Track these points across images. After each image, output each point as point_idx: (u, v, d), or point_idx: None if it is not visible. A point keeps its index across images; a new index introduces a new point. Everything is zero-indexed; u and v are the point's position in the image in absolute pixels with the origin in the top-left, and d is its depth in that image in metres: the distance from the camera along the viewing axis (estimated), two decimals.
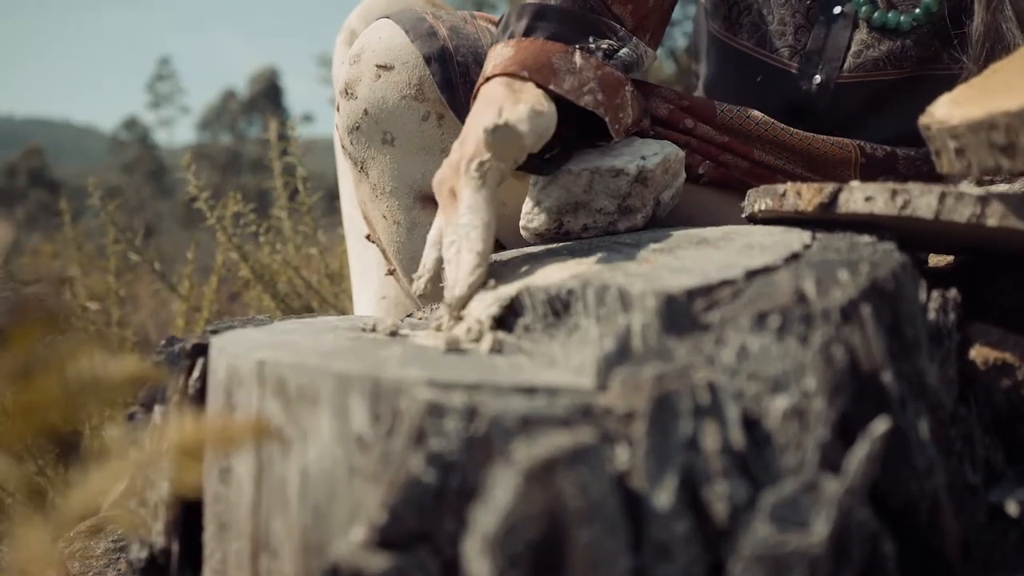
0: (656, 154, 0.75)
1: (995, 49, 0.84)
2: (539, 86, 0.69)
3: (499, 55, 0.71)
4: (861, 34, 0.91)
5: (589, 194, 0.74)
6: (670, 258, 0.57)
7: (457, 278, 0.60)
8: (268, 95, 30.85)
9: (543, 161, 0.74)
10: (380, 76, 0.83)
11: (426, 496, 0.35)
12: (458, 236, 0.62)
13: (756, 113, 0.89)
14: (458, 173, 0.64)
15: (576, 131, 0.76)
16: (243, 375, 0.48)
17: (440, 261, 0.68)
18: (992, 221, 0.52)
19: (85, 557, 0.94)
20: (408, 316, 0.80)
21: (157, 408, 0.57)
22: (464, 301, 0.59)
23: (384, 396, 0.41)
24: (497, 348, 0.51)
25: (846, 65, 0.92)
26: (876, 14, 0.90)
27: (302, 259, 1.80)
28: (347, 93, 0.85)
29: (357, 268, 1.11)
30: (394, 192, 0.87)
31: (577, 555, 0.33)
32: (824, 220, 0.61)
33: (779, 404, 0.38)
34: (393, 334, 0.59)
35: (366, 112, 0.84)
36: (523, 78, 0.68)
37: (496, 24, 0.89)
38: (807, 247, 0.54)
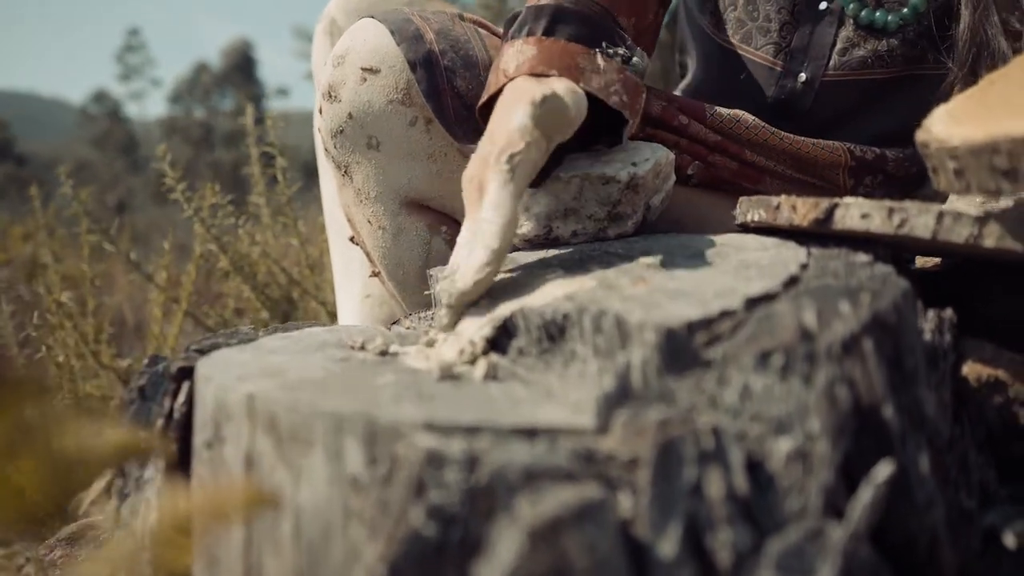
0: (647, 160, 0.74)
1: (981, 55, 0.84)
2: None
3: (520, 53, 0.69)
4: (847, 32, 0.91)
5: (579, 201, 0.73)
6: (665, 277, 0.56)
7: (463, 271, 0.58)
8: (242, 68, 30.34)
9: None
10: (366, 79, 0.80)
11: (427, 550, 0.35)
12: (476, 231, 0.60)
13: (747, 116, 0.88)
14: (486, 168, 0.62)
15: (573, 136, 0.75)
16: (232, 409, 0.46)
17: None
18: (989, 242, 0.52)
19: (67, 564, 0.93)
20: (395, 323, 0.79)
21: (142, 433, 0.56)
22: (467, 298, 0.57)
23: (380, 438, 0.40)
24: (491, 374, 0.50)
25: (832, 63, 0.91)
26: (863, 12, 0.90)
27: (281, 248, 1.77)
28: (331, 96, 0.82)
29: (340, 265, 1.09)
30: (379, 197, 0.85)
31: None
32: (818, 233, 0.61)
33: (783, 446, 0.38)
34: (383, 353, 0.58)
35: (350, 116, 0.82)
36: (552, 77, 0.67)
37: (482, 26, 0.87)
38: (804, 267, 0.54)
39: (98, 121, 30.85)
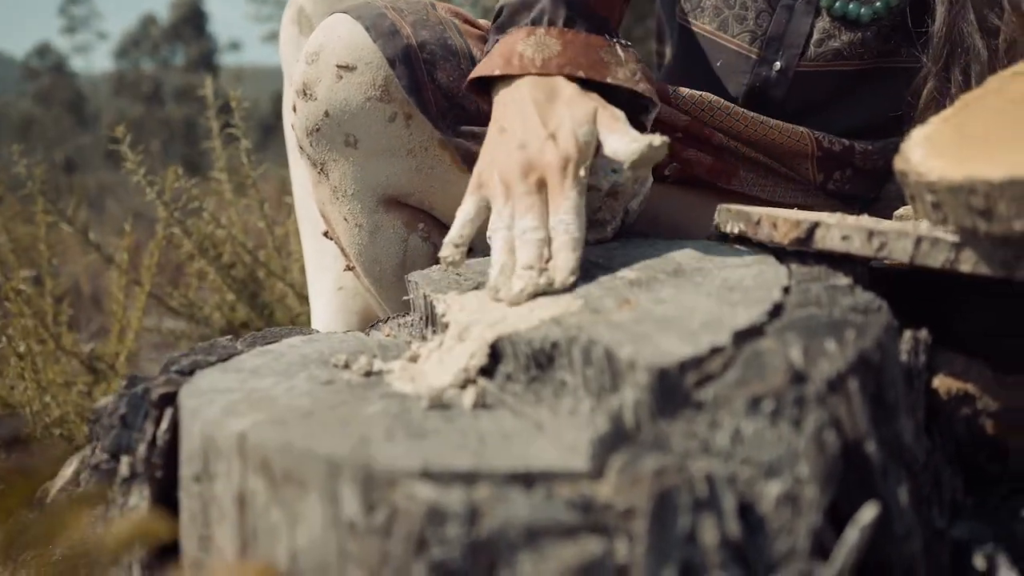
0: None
1: (955, 51, 0.85)
2: (594, 81, 0.70)
3: (545, 46, 0.71)
4: (823, 22, 0.91)
5: None
6: (650, 298, 0.57)
7: (560, 270, 0.61)
8: (191, 21, 29.36)
9: None
10: (342, 77, 0.79)
11: None
12: (557, 232, 0.63)
13: (712, 97, 0.88)
14: (562, 171, 0.64)
15: None
16: (221, 447, 0.46)
17: (472, 236, 0.66)
18: (965, 268, 0.53)
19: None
20: (374, 326, 0.78)
21: (124, 459, 0.55)
22: (559, 288, 0.60)
23: (376, 484, 0.40)
24: (480, 402, 0.51)
25: (807, 53, 0.92)
26: (837, 4, 0.90)
27: (245, 225, 1.74)
28: (305, 94, 0.81)
29: (312, 257, 1.08)
30: (356, 195, 0.84)
31: None
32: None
33: (773, 490, 0.39)
34: (368, 374, 0.58)
35: (327, 114, 0.80)
36: (581, 78, 0.70)
37: (457, 15, 0.86)
38: (786, 291, 0.55)
39: (42, 76, 29.70)
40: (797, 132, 0.90)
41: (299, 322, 1.57)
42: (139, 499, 0.54)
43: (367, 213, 0.85)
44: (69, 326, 1.57)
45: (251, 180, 1.47)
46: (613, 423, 0.42)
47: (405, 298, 0.77)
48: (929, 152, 0.56)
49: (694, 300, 0.54)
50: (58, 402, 1.40)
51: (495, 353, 0.54)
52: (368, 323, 1.06)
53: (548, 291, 0.58)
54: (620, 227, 0.78)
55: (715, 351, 0.45)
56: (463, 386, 0.54)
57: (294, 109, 0.84)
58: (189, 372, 0.60)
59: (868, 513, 0.39)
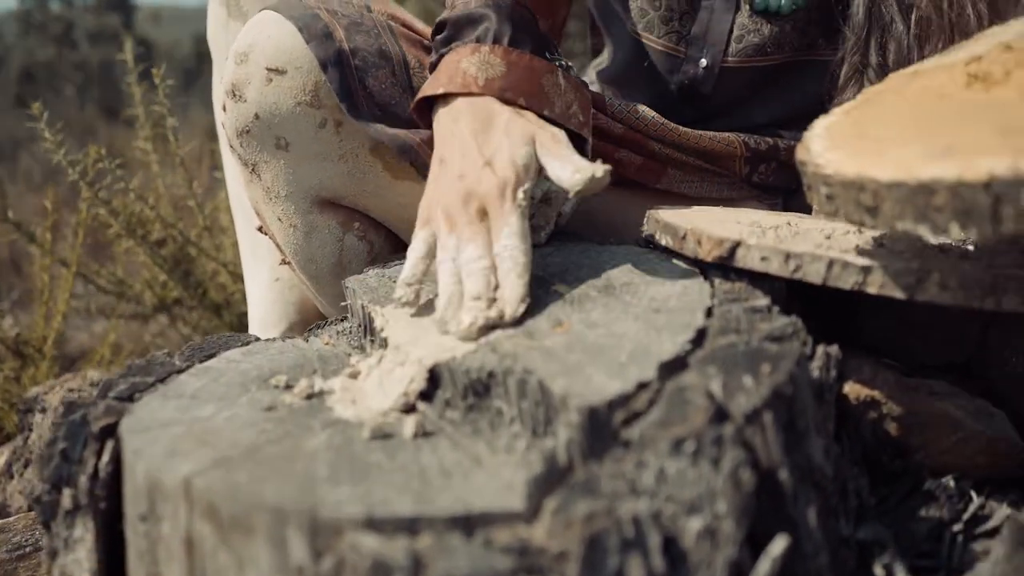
0: None
1: (874, 28, 0.88)
2: (532, 110, 0.71)
3: (488, 64, 0.71)
4: (742, 18, 0.94)
5: None
6: (582, 319, 0.59)
7: (510, 301, 0.61)
8: None
9: None
10: (271, 80, 0.78)
11: None
12: (503, 259, 0.63)
13: (646, 112, 0.90)
14: (500, 197, 0.65)
15: None
16: (167, 490, 0.47)
17: (424, 273, 0.67)
18: (872, 290, 0.57)
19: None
20: (311, 330, 0.79)
21: (66, 491, 0.56)
22: (509, 321, 0.60)
23: (322, 532, 0.42)
24: (421, 431, 0.53)
25: (730, 49, 0.95)
26: None
27: (175, 202, 1.70)
28: (235, 95, 0.79)
29: (247, 249, 1.07)
30: (290, 197, 0.84)
31: None
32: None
33: (694, 525, 0.42)
34: (310, 396, 0.59)
35: (257, 116, 0.79)
36: (520, 106, 0.71)
37: (393, 18, 0.85)
38: (709, 312, 0.58)
39: None
40: (727, 139, 0.93)
41: (233, 300, 1.56)
42: (83, 531, 0.54)
43: (301, 214, 0.85)
44: None
45: (179, 159, 1.44)
46: (547, 463, 0.44)
47: (343, 303, 0.78)
48: (827, 144, 0.59)
49: (623, 325, 0.57)
50: None
51: (433, 377, 0.56)
52: (305, 313, 1.06)
53: (499, 324, 0.59)
54: (553, 230, 0.80)
55: (641, 386, 0.48)
56: (404, 410, 0.56)
57: (224, 108, 0.82)
58: (128, 397, 0.60)
59: (779, 545, 0.43)
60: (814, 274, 0.58)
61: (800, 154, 0.61)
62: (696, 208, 0.83)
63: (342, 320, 0.79)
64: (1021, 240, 0.61)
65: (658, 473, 0.43)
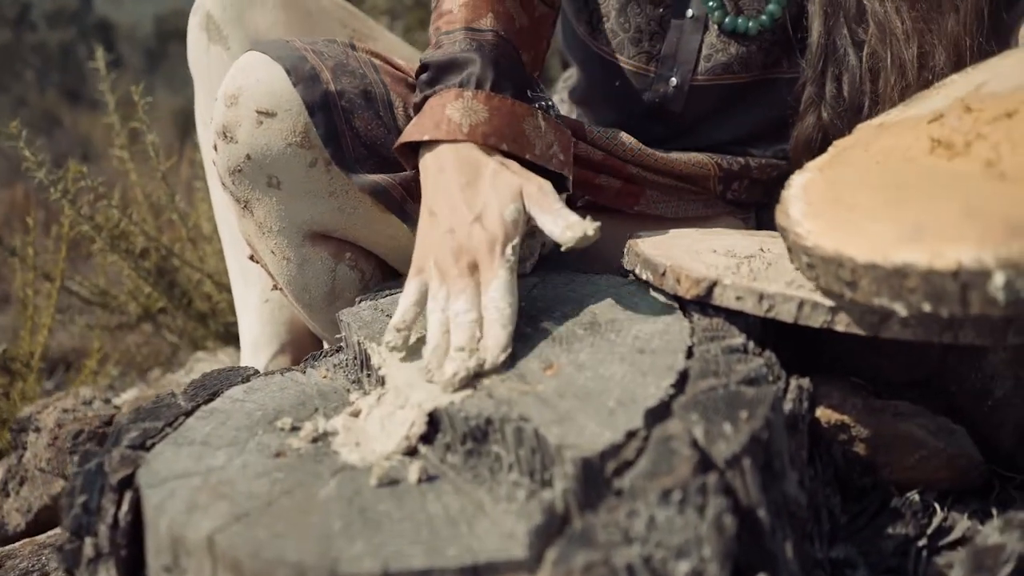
0: None
1: (829, 61, 0.92)
2: (514, 155, 0.74)
3: (472, 111, 0.74)
4: (711, 38, 0.97)
5: None
6: (570, 360, 0.63)
7: (491, 350, 0.64)
8: None
9: None
10: (262, 123, 0.80)
11: None
12: (489, 310, 0.66)
13: (625, 137, 0.94)
14: (490, 253, 0.68)
15: None
16: (191, 546, 0.50)
17: (415, 320, 0.69)
18: (840, 328, 0.62)
19: None
20: (307, 360, 0.82)
21: (88, 539, 0.59)
22: (488, 372, 0.63)
23: None
24: (424, 475, 0.56)
25: (699, 68, 0.98)
26: (727, 19, 0.96)
27: (155, 210, 1.71)
28: (226, 136, 0.81)
29: (237, 273, 1.09)
30: (282, 231, 0.86)
31: None
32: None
33: (682, 569, 0.46)
34: (315, 440, 0.62)
35: (248, 157, 0.82)
36: (503, 152, 0.74)
37: (376, 56, 0.87)
38: (690, 353, 0.62)
39: None
40: (701, 161, 0.97)
41: (218, 310, 1.58)
42: None
43: (294, 247, 0.88)
44: None
45: (162, 169, 1.45)
46: (546, 514, 0.48)
47: (338, 335, 0.81)
48: (805, 210, 0.63)
49: (610, 367, 0.61)
50: None
51: (433, 421, 0.60)
52: (295, 333, 1.09)
53: (481, 372, 0.62)
54: (537, 260, 0.83)
55: (630, 435, 0.52)
56: (406, 453, 0.59)
57: (215, 148, 0.84)
58: (141, 445, 0.63)
59: None
60: (786, 314, 0.63)
61: (780, 219, 0.65)
62: (673, 232, 0.87)
63: (337, 351, 0.82)
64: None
65: (648, 521, 0.47)
